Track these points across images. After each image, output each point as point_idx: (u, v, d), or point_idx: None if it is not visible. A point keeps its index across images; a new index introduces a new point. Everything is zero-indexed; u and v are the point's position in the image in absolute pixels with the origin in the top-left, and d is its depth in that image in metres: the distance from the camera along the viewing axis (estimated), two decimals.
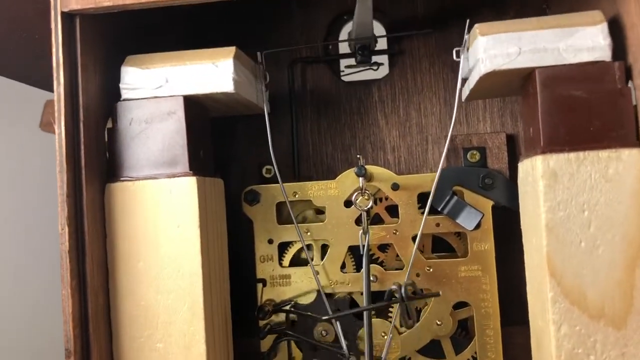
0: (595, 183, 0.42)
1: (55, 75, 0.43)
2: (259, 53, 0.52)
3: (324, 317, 0.51)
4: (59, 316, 0.43)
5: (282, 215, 0.56)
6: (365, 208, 0.51)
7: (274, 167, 0.52)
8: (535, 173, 0.43)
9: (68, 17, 0.44)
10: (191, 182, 0.46)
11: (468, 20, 0.48)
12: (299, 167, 0.62)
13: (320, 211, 0.57)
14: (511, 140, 0.60)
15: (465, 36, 0.49)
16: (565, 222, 0.42)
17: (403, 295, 0.45)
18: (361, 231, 0.51)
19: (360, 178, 0.51)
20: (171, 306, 0.45)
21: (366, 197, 0.51)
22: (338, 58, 0.61)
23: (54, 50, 0.43)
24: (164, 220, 0.46)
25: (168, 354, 0.45)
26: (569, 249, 0.42)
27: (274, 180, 0.57)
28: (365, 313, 0.50)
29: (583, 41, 0.43)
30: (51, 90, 0.62)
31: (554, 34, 0.44)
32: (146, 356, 0.46)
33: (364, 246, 0.51)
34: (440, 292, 0.51)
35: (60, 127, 0.43)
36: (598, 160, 0.42)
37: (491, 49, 0.44)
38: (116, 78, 0.48)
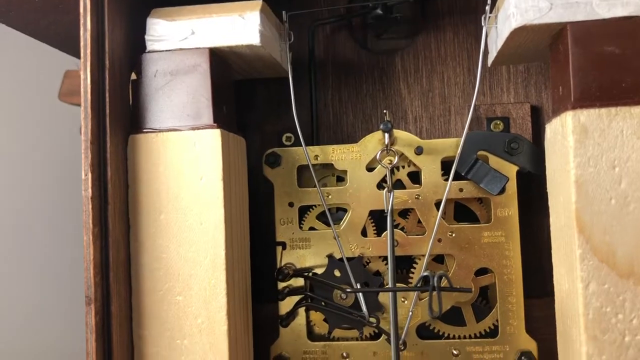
0: (627, 139, 0.42)
1: (82, 21, 0.43)
2: (284, 12, 0.51)
3: (348, 290, 0.50)
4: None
5: (303, 179, 0.56)
6: (391, 166, 0.50)
7: (297, 128, 0.51)
8: (565, 129, 0.43)
9: None
10: (215, 134, 0.45)
11: None
12: (318, 136, 0.61)
13: (340, 178, 0.56)
14: (535, 111, 0.59)
15: (487, 6, 0.48)
16: (595, 178, 0.42)
17: (435, 285, 0.43)
18: (385, 190, 0.50)
19: (386, 134, 0.50)
20: (192, 259, 0.45)
21: (391, 155, 0.50)
22: (362, 15, 0.60)
23: None
24: (187, 172, 0.45)
25: (188, 307, 0.45)
26: (599, 205, 0.42)
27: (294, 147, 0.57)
28: (390, 294, 0.49)
29: None
30: (72, 52, 0.62)
31: None
32: (165, 309, 0.45)
33: (385, 213, 0.50)
34: (472, 289, 0.50)
35: (85, 73, 0.43)
36: (630, 116, 0.42)
37: (522, 3, 0.43)
38: (141, 30, 0.48)
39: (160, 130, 0.46)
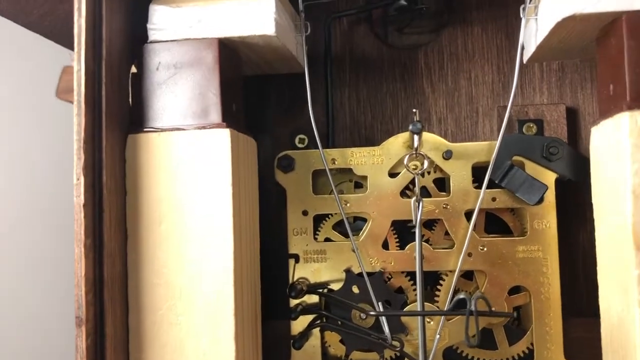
0: None
1: (76, 5, 0.38)
2: (300, 0, 0.47)
3: (371, 313, 0.45)
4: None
5: (317, 185, 0.51)
6: (420, 171, 0.45)
7: (313, 128, 0.46)
8: (620, 132, 0.38)
9: None
10: (224, 134, 0.40)
11: None
12: (334, 138, 0.56)
13: (358, 185, 0.51)
14: (571, 113, 0.54)
15: None
16: None
17: (473, 309, 0.38)
18: (413, 199, 0.45)
19: (416, 136, 0.45)
20: (196, 274, 0.40)
21: (419, 160, 0.45)
22: (384, 6, 0.54)
23: None
24: (192, 177, 0.40)
25: (191, 329, 0.40)
26: None
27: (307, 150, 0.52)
28: (419, 319, 0.44)
29: None
30: (69, 45, 0.57)
31: None
32: (165, 330, 0.40)
33: (411, 224, 0.46)
34: (514, 314, 0.46)
35: (80, 63, 0.38)
36: None
37: None
38: (143, 18, 0.43)
39: (163, 130, 0.41)
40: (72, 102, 0.76)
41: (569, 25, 0.40)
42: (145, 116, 0.42)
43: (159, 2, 0.43)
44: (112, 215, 0.39)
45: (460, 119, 0.56)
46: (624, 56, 0.38)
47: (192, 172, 0.40)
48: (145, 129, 0.41)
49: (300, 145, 0.53)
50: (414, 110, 0.45)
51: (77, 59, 0.38)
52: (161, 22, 0.42)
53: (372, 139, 0.57)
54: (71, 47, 0.57)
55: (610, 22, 0.39)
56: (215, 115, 0.41)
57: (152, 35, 0.42)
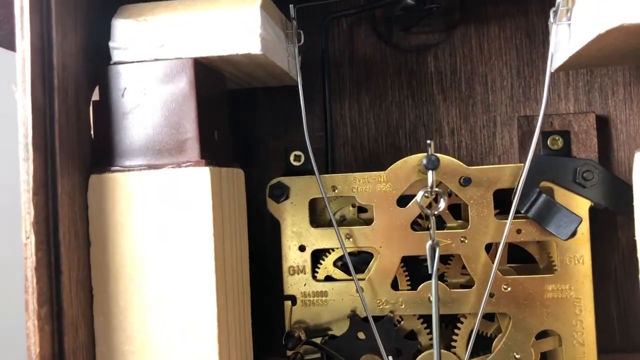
0: None
1: (18, 25, 0.31)
2: (291, 5, 0.40)
3: None
4: None
5: (315, 214, 0.45)
6: (436, 212, 0.39)
7: (308, 151, 0.40)
8: None
9: None
10: (203, 173, 0.34)
11: None
12: (333, 154, 0.50)
13: (362, 209, 0.45)
14: (602, 123, 0.48)
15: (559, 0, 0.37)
16: None
17: None
18: (429, 242, 0.38)
19: (431, 172, 0.38)
20: (177, 339, 0.34)
21: (434, 197, 0.39)
22: (388, 4, 0.48)
23: None
24: (167, 223, 0.34)
25: None
26: None
27: (304, 168, 0.45)
28: None
29: None
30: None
31: None
32: None
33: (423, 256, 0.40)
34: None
35: (25, 98, 0.31)
36: None
37: None
38: (105, 34, 0.36)
39: (132, 169, 0.35)
40: None
41: (612, 35, 0.34)
42: (110, 152, 0.35)
43: (123, 15, 0.36)
44: (73, 275, 0.33)
45: (475, 130, 0.50)
46: None
47: (167, 217, 0.34)
48: (110, 168, 0.35)
49: (295, 163, 0.47)
50: (429, 141, 0.39)
51: (21, 92, 0.31)
52: (126, 40, 0.35)
53: (376, 154, 0.51)
54: None
55: None
56: (192, 151, 0.34)
57: (116, 55, 0.36)
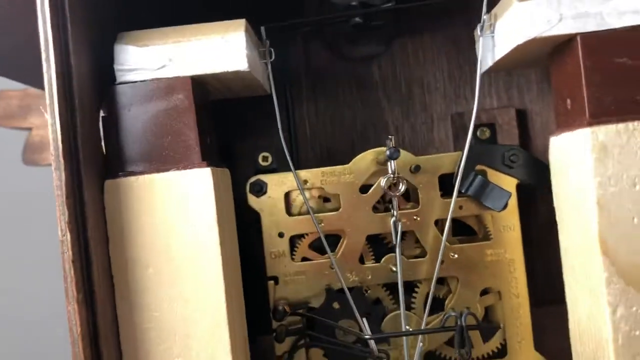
0: None
1: (44, 55, 0.37)
2: (262, 28, 0.47)
3: (367, 337, 0.47)
4: None
5: (289, 205, 0.52)
6: (398, 193, 0.47)
7: (285, 151, 0.48)
8: (582, 147, 0.40)
9: None
10: (206, 173, 0.40)
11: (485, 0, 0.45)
12: (298, 152, 0.57)
13: (326, 199, 0.52)
14: (520, 115, 0.57)
15: (484, 16, 0.46)
16: (617, 198, 0.40)
17: (463, 324, 0.41)
18: (393, 219, 0.46)
19: (392, 162, 0.46)
20: (190, 316, 0.40)
21: (395, 182, 0.47)
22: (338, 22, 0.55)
23: (40, 22, 0.37)
24: (175, 218, 0.40)
25: None
26: (622, 226, 0.40)
27: (270, 168, 0.52)
28: (405, 339, 0.46)
29: (627, 4, 0.40)
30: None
31: None
32: None
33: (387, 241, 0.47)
34: (501, 326, 0.49)
35: (54, 117, 0.37)
36: None
37: (530, 16, 0.41)
38: (107, 57, 0.42)
39: (142, 173, 0.41)
40: (10, 127, 0.74)
41: (527, 46, 0.42)
42: (122, 160, 0.41)
43: (124, 41, 0.42)
44: (99, 265, 0.39)
45: (415, 127, 0.58)
46: (581, 75, 0.41)
47: (175, 213, 0.40)
48: (122, 174, 0.41)
49: (264, 164, 0.54)
50: (390, 136, 0.47)
51: (50, 113, 0.37)
52: (129, 63, 0.41)
53: (333, 150, 0.58)
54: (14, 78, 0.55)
55: (566, 41, 0.42)
56: (195, 155, 0.41)
57: (121, 76, 0.41)
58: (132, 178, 0.41)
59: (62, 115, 0.37)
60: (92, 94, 0.41)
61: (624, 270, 0.40)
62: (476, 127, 0.55)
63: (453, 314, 0.42)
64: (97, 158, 0.40)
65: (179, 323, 0.40)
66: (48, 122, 0.37)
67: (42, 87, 0.54)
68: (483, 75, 0.51)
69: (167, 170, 0.41)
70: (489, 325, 0.45)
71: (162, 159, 0.41)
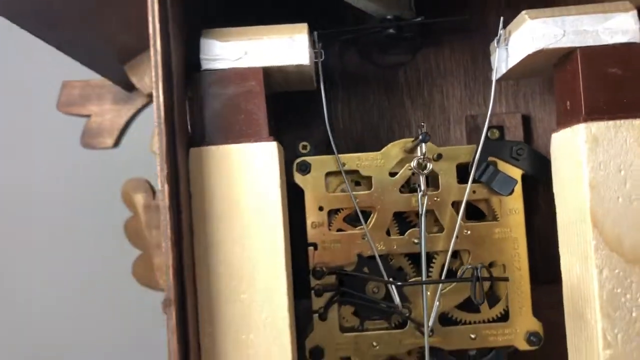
0: (630, 147, 0.49)
1: (152, 42, 0.46)
2: (315, 33, 0.56)
3: (399, 284, 0.55)
4: None
5: (327, 185, 0.61)
6: (426, 172, 0.56)
7: (330, 138, 0.56)
8: (578, 139, 0.50)
9: None
10: (273, 146, 0.50)
11: (502, 18, 0.55)
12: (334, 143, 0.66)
13: (357, 183, 0.61)
14: (525, 120, 0.67)
15: (500, 31, 0.55)
16: (605, 180, 0.49)
17: (478, 275, 0.50)
18: (420, 194, 0.56)
19: (424, 144, 0.56)
20: (255, 259, 0.49)
21: (425, 163, 0.56)
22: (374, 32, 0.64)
23: (149, 16, 0.46)
24: (245, 181, 0.49)
25: (252, 304, 0.49)
26: (609, 203, 0.49)
27: (308, 155, 0.61)
28: (423, 288, 0.55)
29: (618, 25, 0.50)
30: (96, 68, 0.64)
31: (592, 18, 0.50)
32: (231, 307, 0.49)
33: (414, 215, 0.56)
34: (509, 278, 0.57)
35: (158, 92, 0.46)
36: (632, 127, 0.49)
37: (540, 31, 0.50)
38: (191, 49, 0.51)
39: (220, 144, 0.50)
40: (72, 114, 0.83)
41: (536, 56, 0.52)
42: (203, 133, 0.50)
43: (208, 36, 0.51)
44: (185, 215, 0.48)
45: (435, 126, 0.68)
46: (580, 81, 0.50)
47: (246, 177, 0.49)
48: (204, 144, 0.50)
49: (303, 151, 0.63)
50: (422, 123, 0.56)
51: (155, 89, 0.46)
52: (213, 54, 0.51)
53: (362, 144, 0.67)
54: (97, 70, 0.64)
55: (567, 53, 0.52)
56: (264, 131, 0.50)
57: (205, 64, 0.51)
58: (213, 147, 0.50)
59: (165, 93, 0.46)
60: (182, 77, 0.50)
61: (609, 239, 0.49)
62: (487, 129, 0.64)
63: (469, 266, 0.51)
64: (185, 130, 0.50)
65: (246, 265, 0.49)
66: (154, 96, 0.46)
67: (107, 77, 0.64)
68: (486, 81, 0.61)
69: (241, 142, 0.50)
70: (499, 277, 0.54)
71: (237, 133, 0.50)
